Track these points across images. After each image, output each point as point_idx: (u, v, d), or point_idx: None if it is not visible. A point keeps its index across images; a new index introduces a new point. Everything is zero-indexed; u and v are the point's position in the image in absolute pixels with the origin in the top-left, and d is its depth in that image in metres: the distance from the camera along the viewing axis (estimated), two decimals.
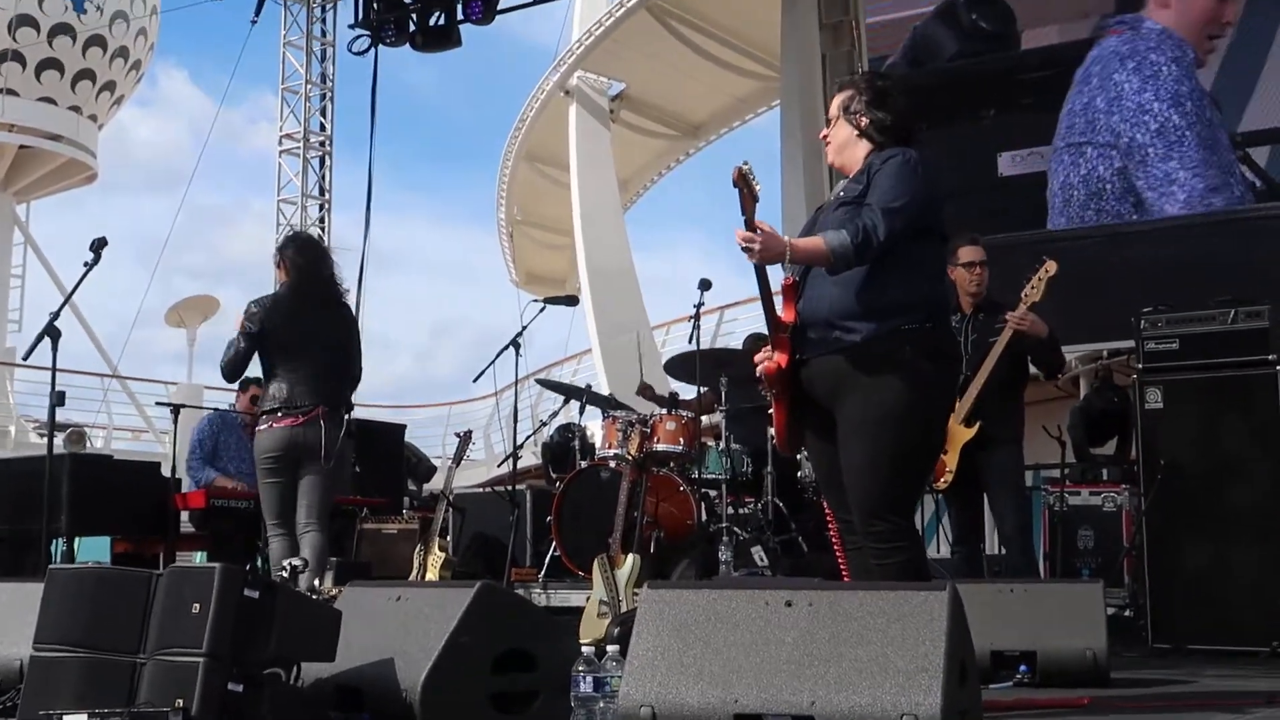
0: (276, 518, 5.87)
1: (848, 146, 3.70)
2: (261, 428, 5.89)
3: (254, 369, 6.05)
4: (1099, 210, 8.07)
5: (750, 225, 3.39)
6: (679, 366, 7.61)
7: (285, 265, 6.02)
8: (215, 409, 8.98)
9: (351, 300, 6.57)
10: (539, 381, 9.07)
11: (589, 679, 3.14)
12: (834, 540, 5.13)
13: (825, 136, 3.77)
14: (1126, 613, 6.39)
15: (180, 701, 2.95)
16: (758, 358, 3.70)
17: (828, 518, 5.31)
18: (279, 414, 5.82)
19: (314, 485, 5.87)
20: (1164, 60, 7.93)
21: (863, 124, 3.66)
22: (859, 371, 3.47)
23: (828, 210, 3.68)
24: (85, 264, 5.35)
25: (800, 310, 3.58)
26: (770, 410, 3.75)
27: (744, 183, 3.38)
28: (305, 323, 5.92)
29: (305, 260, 6.03)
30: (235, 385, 8.46)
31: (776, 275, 3.63)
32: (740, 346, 8.35)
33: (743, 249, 3.41)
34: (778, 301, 3.65)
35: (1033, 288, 5.40)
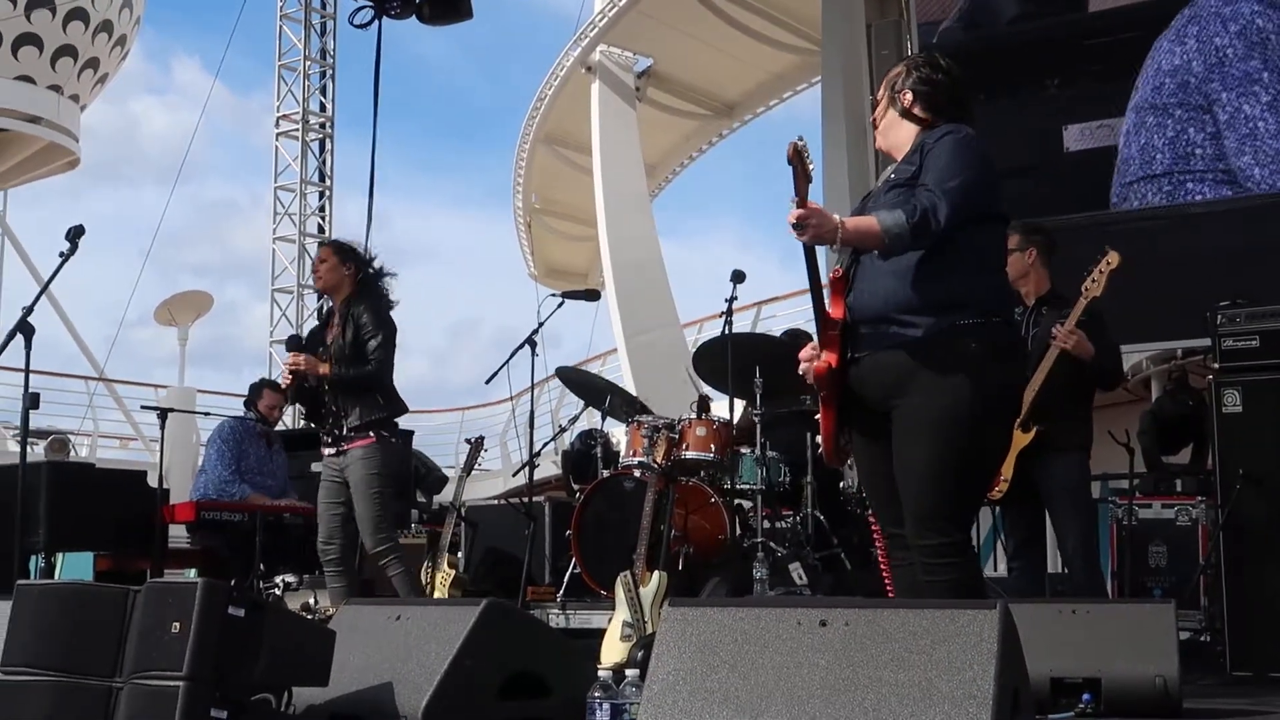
0: None
1: (893, 128, 3.73)
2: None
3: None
4: (1184, 173, 7.95)
5: (803, 205, 3.38)
6: (707, 359, 7.53)
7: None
8: (207, 413, 8.99)
9: None
10: (559, 373, 8.98)
11: (605, 706, 3.14)
12: (880, 557, 5.13)
13: (874, 120, 3.80)
14: (1202, 637, 6.36)
15: None
16: (803, 355, 3.69)
17: (874, 532, 5.31)
18: None
19: None
20: (1272, 27, 7.83)
21: (906, 102, 3.69)
22: (917, 370, 3.46)
23: (877, 195, 3.68)
24: (61, 254, 5.40)
25: (850, 304, 3.56)
26: (813, 415, 3.74)
27: (799, 160, 3.37)
28: None
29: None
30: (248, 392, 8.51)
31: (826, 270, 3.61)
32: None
33: (792, 226, 3.39)
34: (827, 295, 3.64)
35: (1093, 281, 5.37)
